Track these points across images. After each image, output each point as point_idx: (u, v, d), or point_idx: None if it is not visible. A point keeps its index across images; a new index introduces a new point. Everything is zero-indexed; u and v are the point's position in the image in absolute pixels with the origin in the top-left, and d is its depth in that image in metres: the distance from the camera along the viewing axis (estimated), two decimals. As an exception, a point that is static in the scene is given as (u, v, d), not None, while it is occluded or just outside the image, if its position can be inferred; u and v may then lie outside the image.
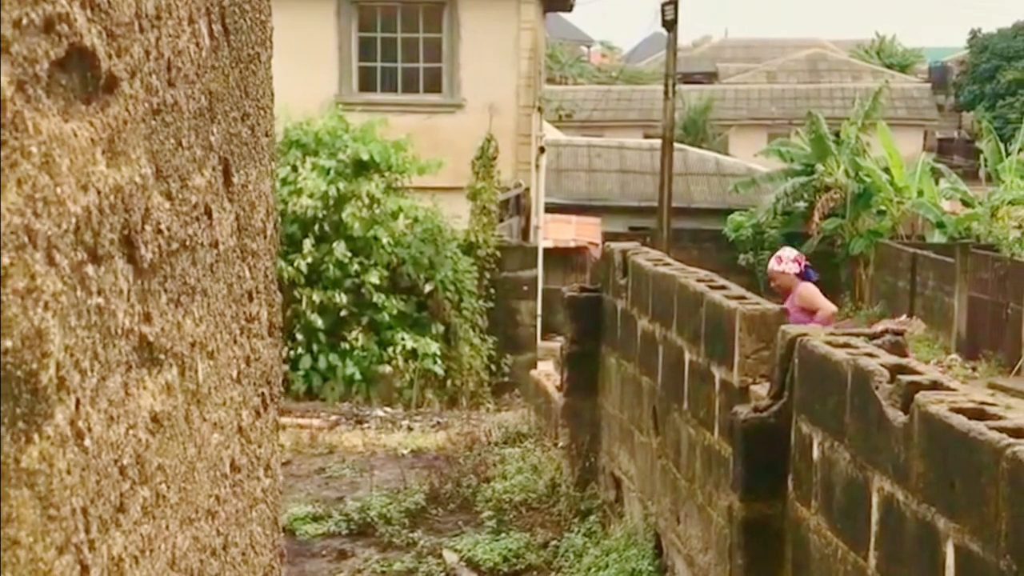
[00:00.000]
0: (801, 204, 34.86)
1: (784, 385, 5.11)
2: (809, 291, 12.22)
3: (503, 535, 8.12)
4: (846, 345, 4.83)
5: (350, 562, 8.09)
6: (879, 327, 5.18)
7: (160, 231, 1.46)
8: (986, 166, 34.47)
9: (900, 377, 4.19)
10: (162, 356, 1.48)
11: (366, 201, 14.74)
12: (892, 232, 32.66)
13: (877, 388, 4.26)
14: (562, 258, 32.07)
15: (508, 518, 8.48)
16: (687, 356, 6.53)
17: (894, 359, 4.47)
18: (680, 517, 6.63)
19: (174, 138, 1.51)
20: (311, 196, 14.68)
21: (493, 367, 15.95)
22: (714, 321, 6.07)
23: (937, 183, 34.57)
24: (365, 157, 14.97)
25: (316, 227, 14.84)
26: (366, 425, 12.98)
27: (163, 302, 1.48)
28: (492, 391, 15.50)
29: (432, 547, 8.15)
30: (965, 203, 33.89)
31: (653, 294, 7.26)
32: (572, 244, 32.54)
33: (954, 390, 4.09)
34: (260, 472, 2.20)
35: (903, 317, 28.11)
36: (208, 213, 1.71)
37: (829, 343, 4.87)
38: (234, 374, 1.92)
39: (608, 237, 32.85)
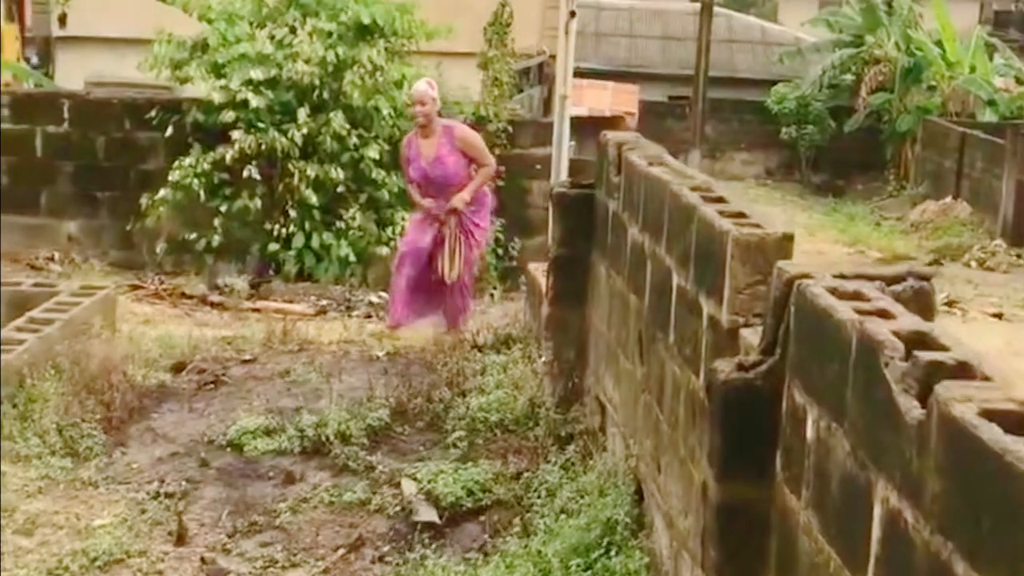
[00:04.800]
0: (848, 77, 33.56)
1: (777, 339, 4.07)
2: (476, 136, 10.98)
3: (471, 463, 7.16)
4: (856, 296, 3.78)
5: (297, 488, 7.17)
6: (902, 268, 4.10)
7: None
8: (1044, 41, 33.01)
9: (918, 354, 3.15)
10: None
11: (368, 68, 13.56)
12: (941, 109, 31.47)
13: (887, 366, 3.23)
14: (597, 127, 30.80)
15: (480, 441, 7.52)
16: (675, 279, 5.49)
17: (913, 324, 3.42)
18: (661, 466, 5.64)
19: None
20: (308, 62, 13.51)
21: (500, 250, 14.86)
22: (705, 242, 5.02)
23: (991, 59, 33.19)
24: (367, 20, 13.74)
25: (314, 95, 13.70)
26: (356, 312, 12.05)
27: None
28: (499, 276, 14.45)
29: (391, 474, 7.21)
30: (1019, 80, 32.62)
31: (645, 199, 6.20)
32: (608, 113, 31.40)
33: (989, 380, 3.04)
34: None
35: (948, 199, 26.96)
36: None
37: (834, 291, 3.82)
38: None
39: (646, 106, 31.67)
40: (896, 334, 3.32)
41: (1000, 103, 30.78)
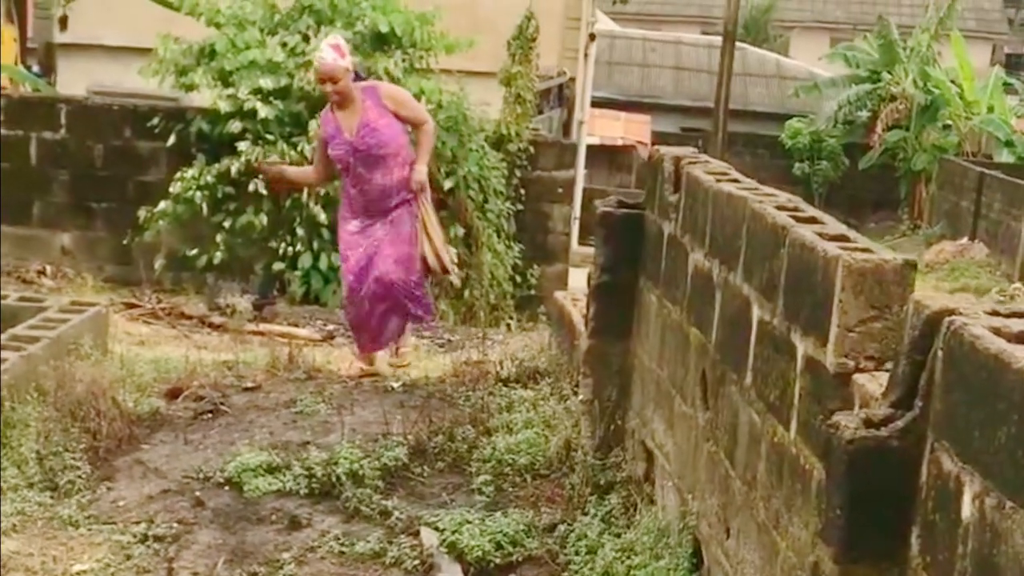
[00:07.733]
0: (864, 113, 33.10)
1: (915, 389, 3.31)
2: (405, 92, 9.40)
3: (499, 512, 6.38)
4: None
5: (303, 534, 6.38)
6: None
7: None
8: (1054, 84, 32.69)
9: None
10: None
11: (383, 80, 12.82)
12: (958, 149, 31.02)
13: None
14: (608, 156, 30.26)
15: (508, 486, 6.75)
16: (755, 312, 4.72)
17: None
18: (731, 530, 4.86)
19: None
20: (321, 71, 12.78)
21: (518, 278, 14.07)
22: (801, 270, 4.25)
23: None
24: (384, 29, 13.01)
25: (326, 107, 12.97)
26: (365, 339, 11.25)
27: None
28: (516, 305, 13.67)
29: (408, 521, 6.42)
30: (1035, 122, 32.16)
31: (713, 220, 5.43)
32: (620, 142, 30.90)
33: None
34: None
35: (964, 240, 26.32)
36: None
37: (997, 331, 3.06)
38: None
39: (658, 137, 31.02)
40: (1107, 391, 2.57)
41: (1018, 144, 30.30)
